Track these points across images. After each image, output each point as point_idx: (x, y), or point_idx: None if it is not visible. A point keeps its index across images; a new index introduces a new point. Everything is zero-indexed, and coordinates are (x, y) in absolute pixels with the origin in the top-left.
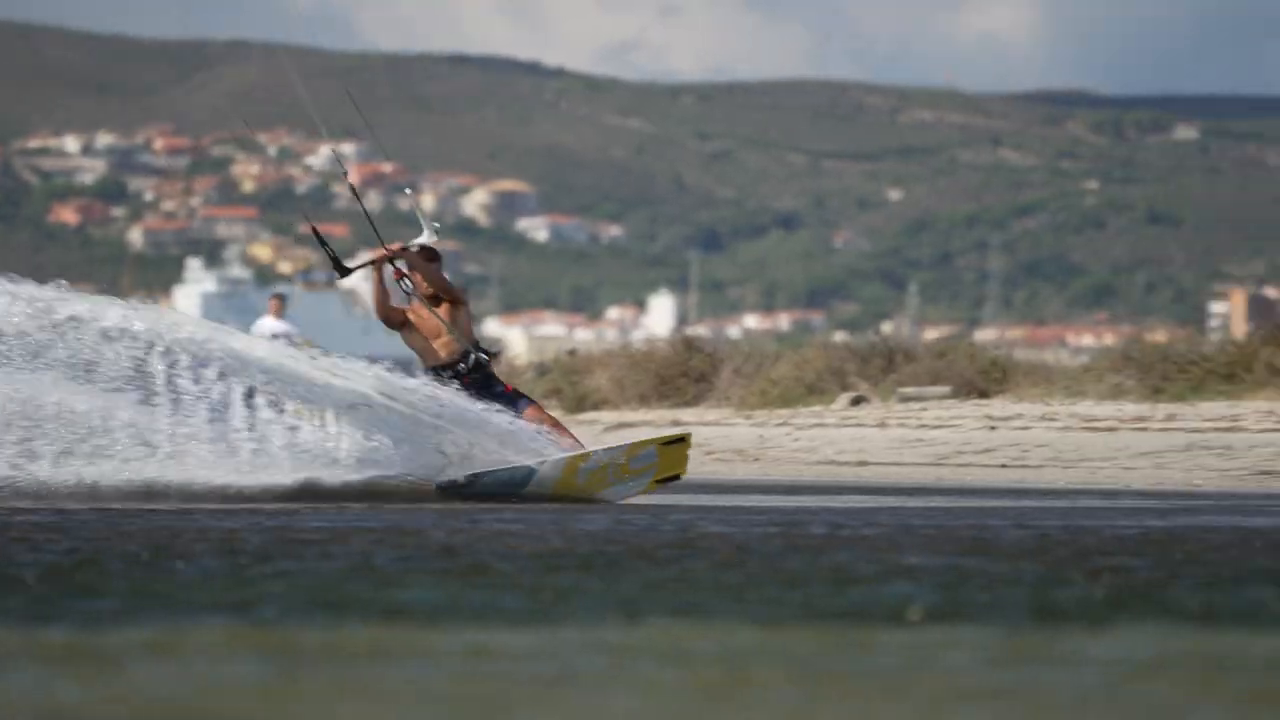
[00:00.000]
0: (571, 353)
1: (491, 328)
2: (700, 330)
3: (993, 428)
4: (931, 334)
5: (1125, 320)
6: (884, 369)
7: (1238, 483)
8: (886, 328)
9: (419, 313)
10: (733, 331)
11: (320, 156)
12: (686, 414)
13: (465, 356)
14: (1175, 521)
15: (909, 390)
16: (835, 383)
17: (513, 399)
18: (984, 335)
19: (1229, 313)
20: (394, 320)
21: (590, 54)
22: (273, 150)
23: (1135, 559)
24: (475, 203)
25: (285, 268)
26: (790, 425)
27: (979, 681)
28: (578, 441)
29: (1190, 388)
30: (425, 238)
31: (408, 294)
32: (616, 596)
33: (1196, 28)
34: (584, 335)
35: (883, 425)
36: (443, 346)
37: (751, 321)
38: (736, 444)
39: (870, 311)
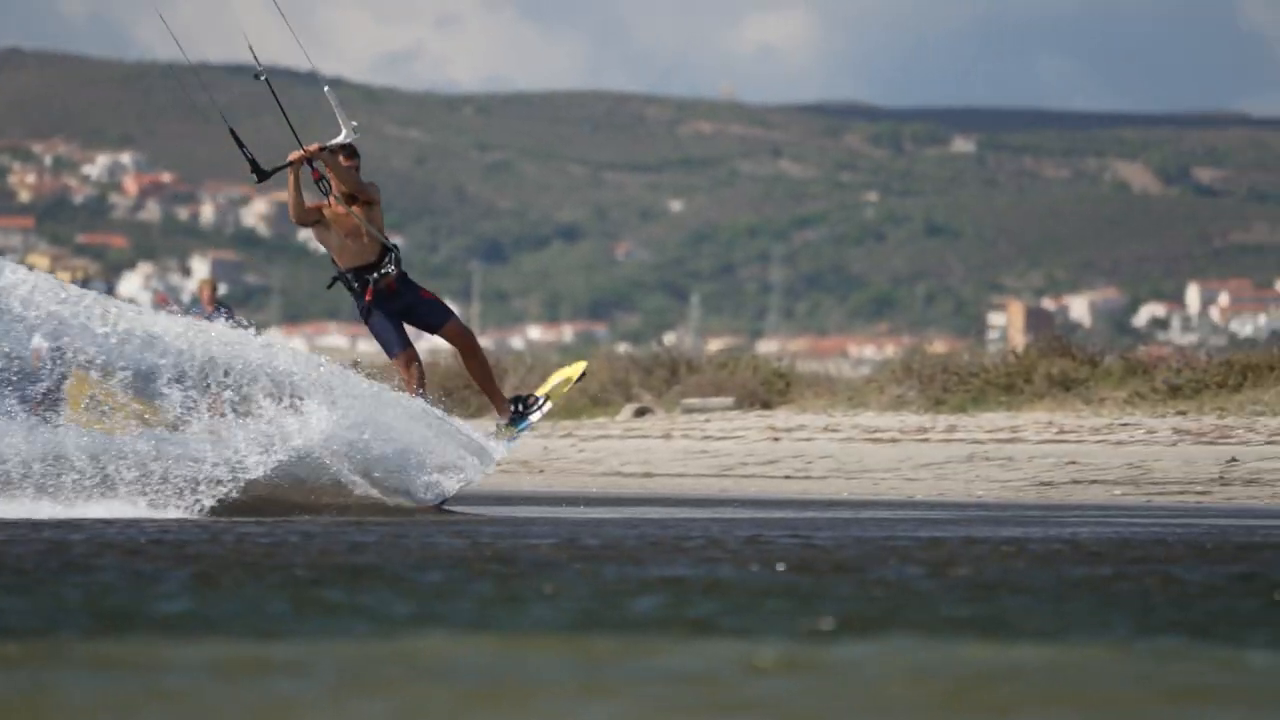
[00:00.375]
0: (355, 364)
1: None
2: (484, 341)
3: (776, 439)
4: (714, 345)
5: (906, 332)
6: (668, 380)
7: (1018, 494)
8: (669, 339)
9: (336, 210)
10: (516, 342)
11: (98, 165)
12: (469, 425)
13: (386, 255)
14: (949, 532)
15: (693, 401)
16: (619, 394)
17: (434, 304)
18: (766, 347)
19: (1007, 324)
20: (308, 220)
21: (368, 64)
22: (49, 160)
23: (910, 568)
24: (255, 213)
25: (62, 278)
26: (575, 436)
27: (734, 693)
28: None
29: (970, 399)
30: (344, 137)
31: (324, 194)
32: (374, 609)
33: (971, 41)
34: (366, 347)
35: (667, 436)
36: (364, 247)
37: (535, 332)
38: (521, 455)
39: (653, 323)
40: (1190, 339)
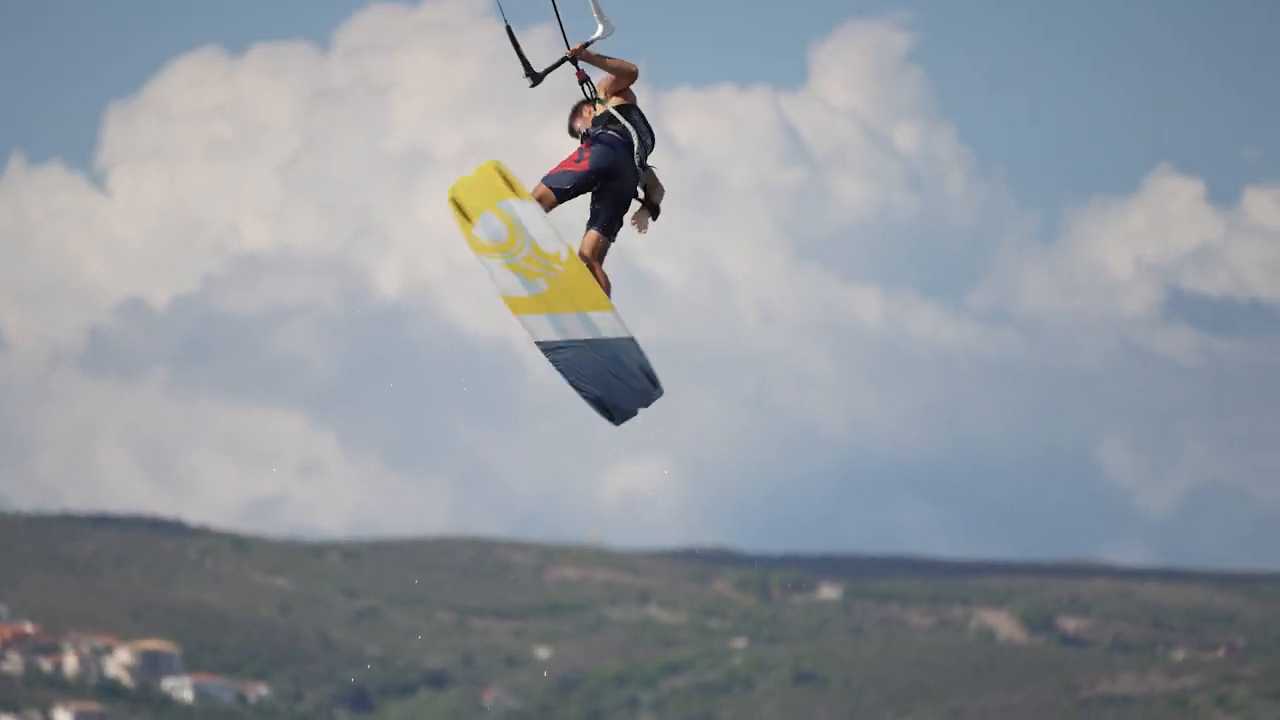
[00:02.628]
0: None
1: None
2: None
3: None
4: None
5: None
6: None
7: None
8: None
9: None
10: None
11: None
12: None
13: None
14: None
15: None
16: None
17: None
18: None
19: None
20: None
21: (233, 511)
22: None
23: None
24: (119, 663)
25: None
26: None
27: None
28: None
29: None
30: (600, 32)
31: (589, 98)
32: None
33: (834, 487)
34: None
35: None
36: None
37: None
38: None
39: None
40: None
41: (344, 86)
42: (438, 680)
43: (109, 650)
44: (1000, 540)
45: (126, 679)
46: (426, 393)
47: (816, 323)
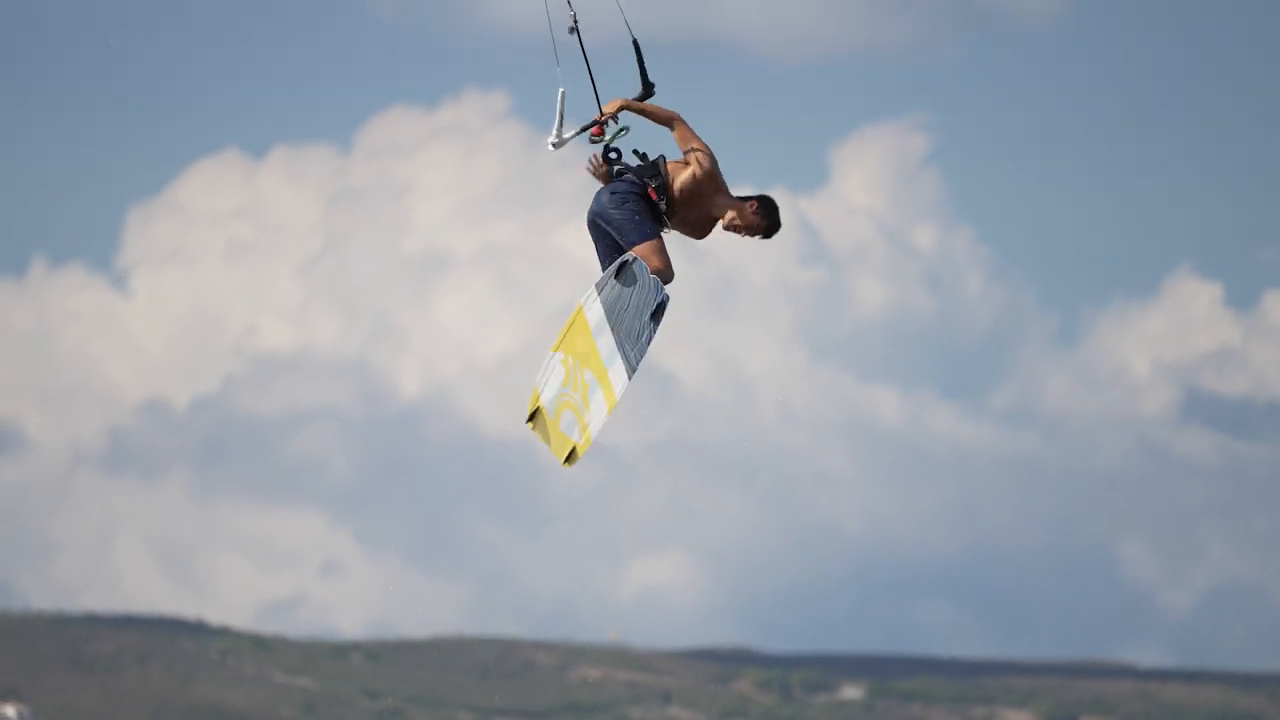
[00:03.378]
0: None
1: None
2: None
3: None
4: None
5: None
6: None
7: None
8: None
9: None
10: None
11: None
12: None
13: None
14: None
15: None
16: None
17: None
18: None
19: None
20: None
21: (253, 612)
22: None
23: None
24: None
25: None
26: None
27: None
28: None
29: None
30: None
31: (615, 161)
32: None
33: (855, 586)
34: None
35: None
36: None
37: None
38: None
39: None
40: None
41: (364, 188)
42: None
43: None
44: (1022, 640)
45: None
46: (446, 492)
47: (836, 422)
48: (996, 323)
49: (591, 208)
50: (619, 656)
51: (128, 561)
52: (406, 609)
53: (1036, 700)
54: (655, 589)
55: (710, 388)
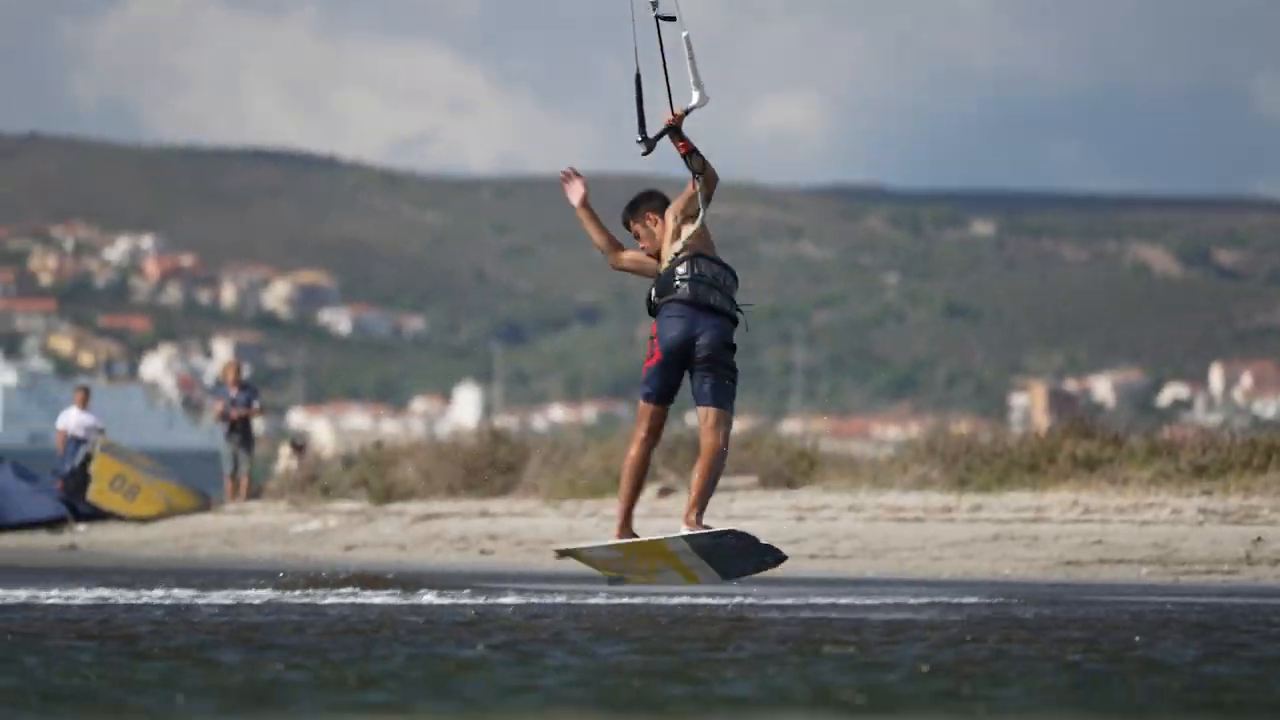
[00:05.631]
0: (378, 445)
1: (296, 419)
2: (506, 421)
3: (800, 518)
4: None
5: (928, 413)
6: (690, 460)
7: (1044, 573)
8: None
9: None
10: (538, 423)
11: (118, 249)
12: (495, 504)
13: None
14: (982, 612)
15: None
16: None
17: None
18: (789, 426)
19: (1029, 405)
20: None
21: (383, 148)
22: (69, 243)
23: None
24: (276, 295)
25: (86, 360)
26: (599, 516)
27: None
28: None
29: (995, 479)
30: (696, 100)
31: (695, 173)
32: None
33: (984, 124)
34: (390, 427)
35: None
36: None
37: (557, 413)
38: (546, 535)
39: (675, 404)
40: (1214, 420)
41: None
42: (590, 316)
43: (266, 282)
44: (1154, 175)
45: (284, 310)
46: (575, 32)
47: None
48: None
49: (684, 331)
50: (750, 193)
51: (256, 96)
52: (534, 145)
53: (1169, 234)
54: (785, 128)
55: None
